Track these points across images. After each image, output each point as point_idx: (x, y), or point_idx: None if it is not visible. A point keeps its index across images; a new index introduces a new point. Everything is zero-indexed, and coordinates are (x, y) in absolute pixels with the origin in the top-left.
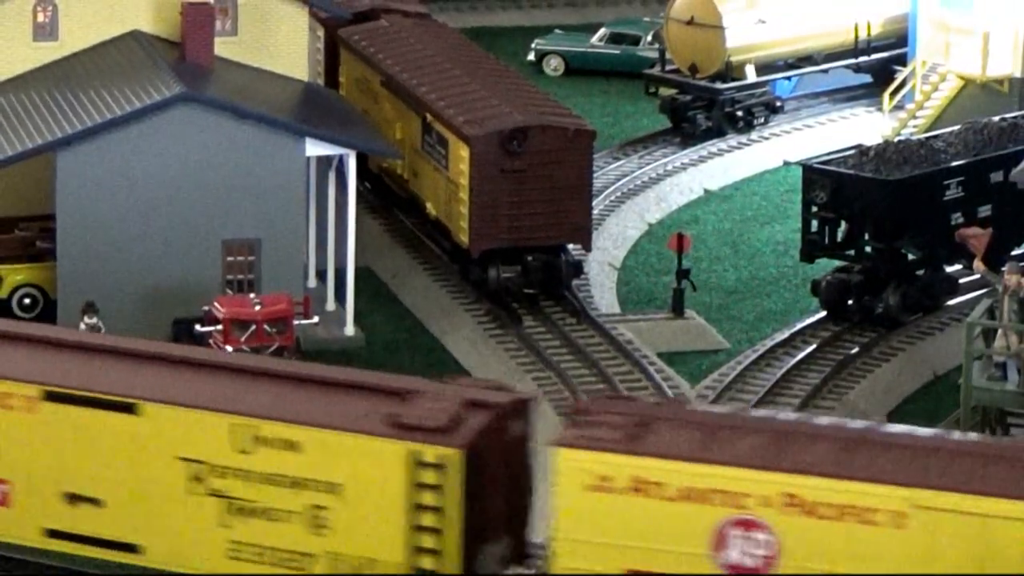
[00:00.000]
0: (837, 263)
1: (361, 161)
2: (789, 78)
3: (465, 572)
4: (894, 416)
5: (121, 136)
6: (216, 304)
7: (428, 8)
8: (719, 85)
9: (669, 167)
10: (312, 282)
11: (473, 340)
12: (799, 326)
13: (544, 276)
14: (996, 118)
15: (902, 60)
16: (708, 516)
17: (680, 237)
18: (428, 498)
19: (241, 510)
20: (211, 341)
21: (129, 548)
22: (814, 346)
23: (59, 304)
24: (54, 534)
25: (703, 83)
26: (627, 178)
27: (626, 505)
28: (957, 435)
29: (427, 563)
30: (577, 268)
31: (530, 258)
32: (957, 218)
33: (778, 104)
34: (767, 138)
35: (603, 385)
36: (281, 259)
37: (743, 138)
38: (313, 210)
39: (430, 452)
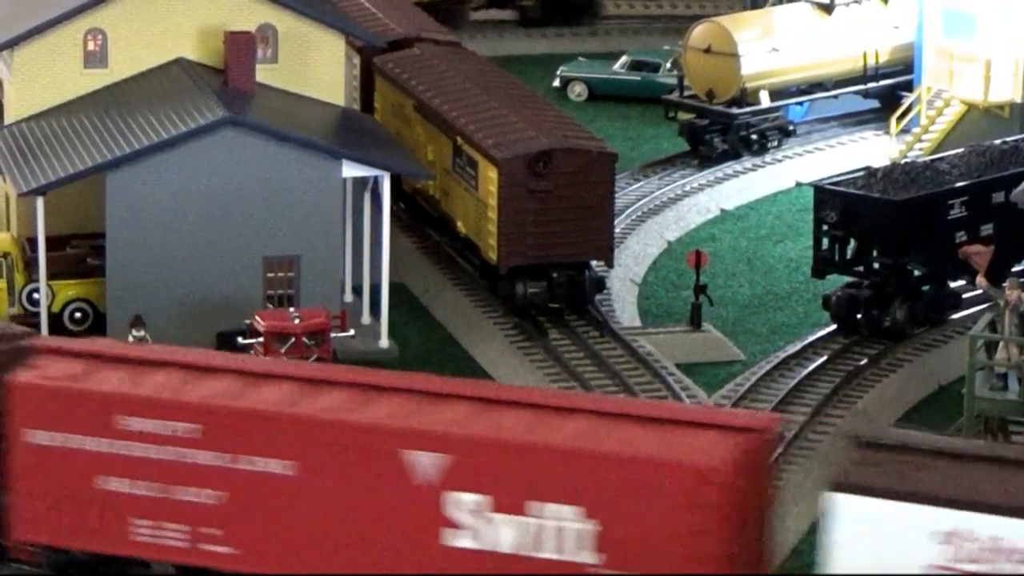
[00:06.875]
0: (847, 279)
1: (395, 182)
2: (801, 103)
3: None
4: (901, 424)
5: (167, 158)
6: (257, 318)
7: (459, 37)
8: (735, 110)
9: (687, 188)
10: (348, 297)
11: (501, 352)
12: (811, 339)
13: (568, 291)
14: (997, 141)
15: (908, 86)
16: None
17: (698, 254)
18: None
19: None
20: (252, 353)
21: None
22: (825, 358)
23: (108, 318)
24: None
25: (719, 108)
26: (647, 198)
27: None
28: None
29: None
30: (600, 284)
31: (555, 274)
32: (961, 236)
33: (791, 128)
34: (780, 160)
35: (624, 394)
36: (319, 275)
37: (757, 160)
38: (349, 229)
39: None
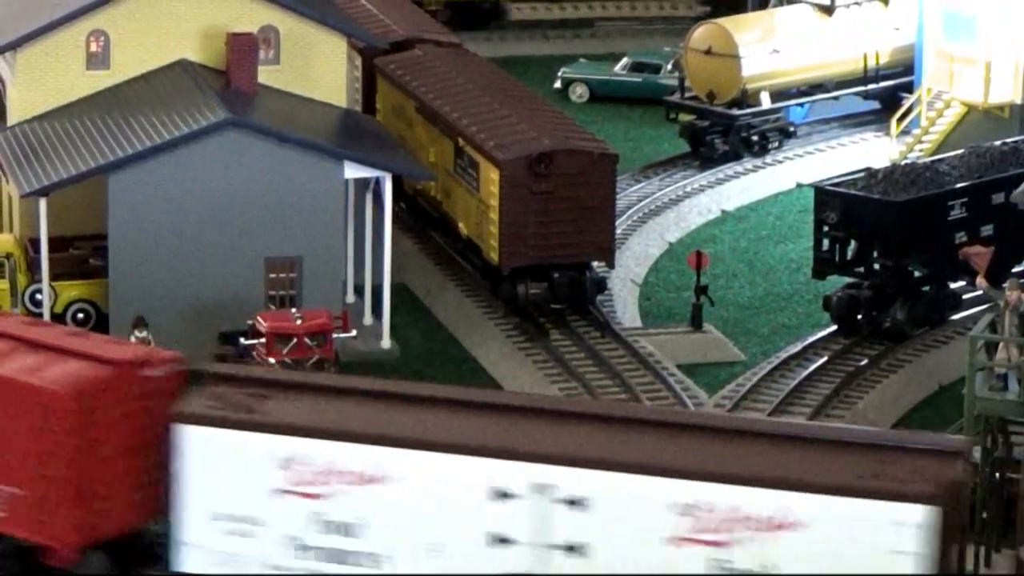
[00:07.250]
0: (847, 280)
1: (397, 183)
2: (802, 104)
3: None
4: (901, 424)
5: (169, 159)
6: (259, 318)
7: (460, 38)
8: (735, 111)
9: (688, 189)
10: (350, 297)
11: (503, 352)
12: (811, 339)
13: (570, 292)
14: (997, 142)
15: (909, 88)
16: None
17: (699, 255)
18: None
19: None
20: (255, 353)
21: None
22: (825, 358)
23: (110, 319)
24: None
25: (720, 109)
26: (648, 199)
27: None
28: None
29: None
30: (601, 284)
31: (556, 275)
32: (961, 237)
33: (791, 129)
34: (781, 161)
35: (626, 395)
36: (321, 276)
37: (758, 161)
38: (351, 230)
39: None
